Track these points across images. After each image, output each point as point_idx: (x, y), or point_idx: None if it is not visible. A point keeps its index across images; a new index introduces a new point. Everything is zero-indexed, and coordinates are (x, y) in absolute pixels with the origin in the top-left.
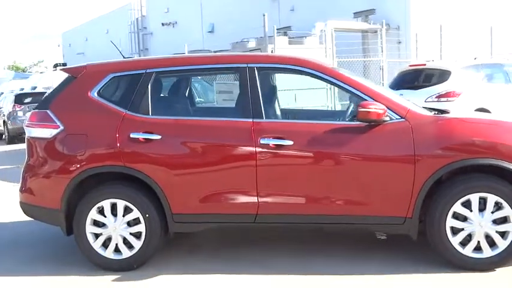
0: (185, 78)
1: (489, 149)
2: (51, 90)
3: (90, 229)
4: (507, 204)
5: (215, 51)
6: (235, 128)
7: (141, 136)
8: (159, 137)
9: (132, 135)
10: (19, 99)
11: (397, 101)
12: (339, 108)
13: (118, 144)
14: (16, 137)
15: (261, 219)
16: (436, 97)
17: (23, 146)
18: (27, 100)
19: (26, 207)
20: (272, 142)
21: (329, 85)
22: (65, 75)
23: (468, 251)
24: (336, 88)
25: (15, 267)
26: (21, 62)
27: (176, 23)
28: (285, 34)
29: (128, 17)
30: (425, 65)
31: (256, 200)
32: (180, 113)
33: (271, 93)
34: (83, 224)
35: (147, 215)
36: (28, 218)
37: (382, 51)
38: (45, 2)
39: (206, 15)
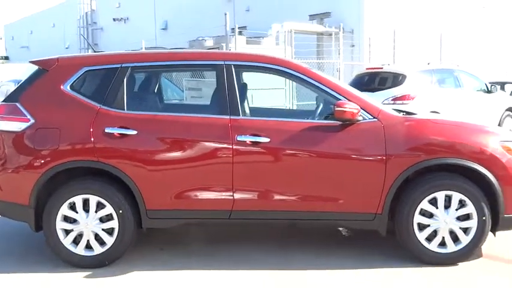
0: (161, 74)
1: (454, 149)
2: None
3: (60, 225)
4: (470, 202)
5: (170, 49)
6: (213, 124)
7: (116, 131)
8: (135, 132)
9: (107, 130)
10: None
11: (370, 102)
12: (312, 107)
13: (92, 139)
14: None
15: (235, 216)
16: (392, 100)
17: None
18: None
19: None
20: (249, 139)
21: (298, 85)
22: (33, 68)
23: (433, 246)
24: (295, 89)
25: None
26: None
27: (128, 18)
28: (240, 33)
29: (77, 11)
30: (382, 68)
31: (232, 197)
32: (156, 108)
33: (247, 91)
34: (53, 220)
35: (120, 211)
36: None
37: (339, 53)
38: None
39: (159, 12)
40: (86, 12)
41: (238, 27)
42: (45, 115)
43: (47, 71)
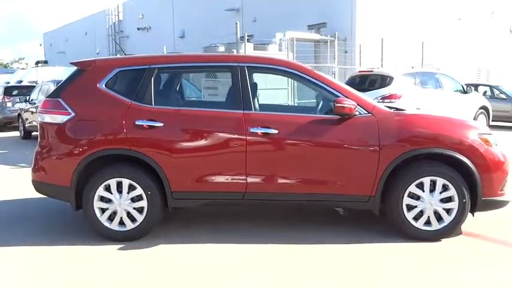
0: (184, 74)
1: (439, 140)
2: (60, 82)
3: (97, 204)
4: (452, 187)
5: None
6: (228, 118)
7: (145, 123)
8: (161, 124)
9: (137, 123)
10: (8, 91)
11: (365, 99)
12: (314, 104)
13: (124, 130)
14: (5, 125)
15: (248, 197)
16: (381, 98)
17: (12, 134)
18: (15, 92)
19: (38, 185)
20: (260, 131)
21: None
22: (72, 68)
23: (420, 224)
24: (296, 89)
25: (26, 238)
26: (3, 58)
27: (150, 28)
28: (248, 41)
29: (106, 21)
30: (372, 71)
31: (245, 180)
32: (179, 104)
33: (257, 89)
34: (91, 200)
35: (149, 192)
36: (35, 196)
37: (334, 58)
38: (25, 4)
39: (177, 22)
40: (114, 22)
41: (247, 35)
42: (83, 109)
43: (85, 71)
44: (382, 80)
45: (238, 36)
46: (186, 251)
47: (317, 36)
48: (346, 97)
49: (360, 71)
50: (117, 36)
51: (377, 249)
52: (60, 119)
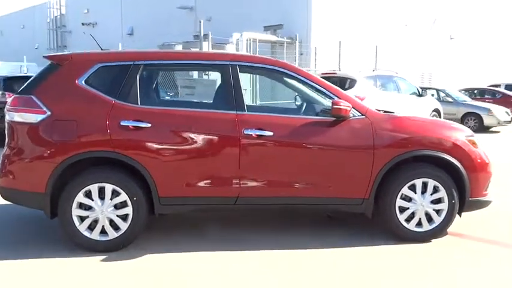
0: (171, 72)
1: (430, 142)
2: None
3: (76, 212)
4: (443, 188)
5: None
6: (221, 119)
7: (131, 124)
8: (149, 125)
9: (122, 123)
10: None
11: (358, 101)
12: (304, 105)
13: (108, 131)
14: None
15: (241, 202)
16: None
17: None
18: None
19: (5, 192)
20: (255, 133)
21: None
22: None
23: (412, 226)
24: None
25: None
26: None
27: (96, 23)
28: (205, 40)
29: (47, 15)
30: (335, 73)
31: (238, 185)
32: (167, 103)
33: (255, 89)
34: (69, 207)
35: (134, 198)
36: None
37: (295, 60)
38: None
39: (126, 19)
40: (56, 16)
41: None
42: (61, 108)
43: (61, 66)
44: (345, 82)
45: (202, 35)
46: (173, 260)
47: (274, 38)
48: (340, 99)
49: (322, 73)
50: (58, 30)
51: (370, 253)
52: (33, 118)
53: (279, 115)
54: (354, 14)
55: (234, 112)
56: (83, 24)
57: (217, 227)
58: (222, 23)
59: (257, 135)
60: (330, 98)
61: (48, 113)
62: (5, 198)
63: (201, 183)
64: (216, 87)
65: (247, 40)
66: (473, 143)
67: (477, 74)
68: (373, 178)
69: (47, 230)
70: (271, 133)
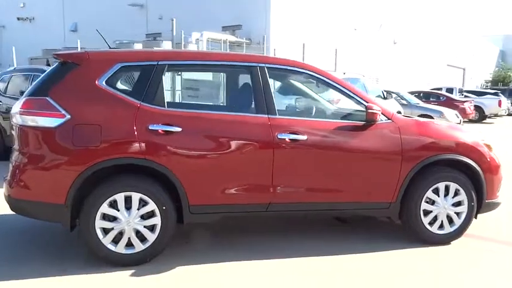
0: (196, 73)
1: (453, 146)
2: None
3: (100, 224)
4: (463, 191)
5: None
6: (253, 123)
7: (161, 128)
8: (179, 129)
9: (150, 127)
10: None
11: (383, 105)
12: (331, 108)
13: (136, 136)
14: None
15: (272, 208)
16: None
17: None
18: None
19: (17, 203)
20: (289, 137)
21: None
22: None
23: (435, 228)
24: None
25: (5, 268)
26: None
27: (34, 18)
28: (155, 39)
29: None
30: None
31: (271, 190)
32: (196, 106)
33: (280, 91)
34: (92, 219)
35: (164, 207)
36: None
37: None
38: None
39: (68, 14)
40: None
41: (152, 34)
42: (82, 111)
43: (78, 65)
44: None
45: (174, 34)
46: (205, 271)
47: (233, 38)
48: (368, 103)
49: None
50: None
51: (390, 256)
52: (51, 122)
53: (310, 119)
54: (311, 17)
55: (266, 116)
56: (18, 19)
57: (229, 234)
58: (176, 22)
59: (290, 139)
60: (356, 101)
61: (68, 116)
62: (15, 210)
63: (233, 190)
64: (245, 89)
65: (207, 40)
66: (489, 147)
67: (417, 77)
68: (401, 182)
69: (56, 243)
70: (304, 137)
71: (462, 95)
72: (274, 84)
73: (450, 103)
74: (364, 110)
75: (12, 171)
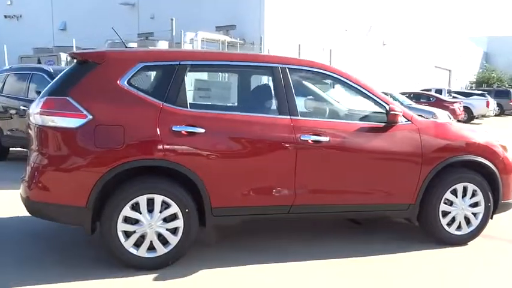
0: (217, 73)
1: (470, 148)
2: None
3: (121, 227)
4: (480, 192)
5: (84, 49)
6: (276, 124)
7: (184, 129)
8: (202, 130)
9: (174, 128)
10: None
11: (402, 107)
12: (351, 109)
13: (160, 137)
14: None
15: (294, 210)
16: None
17: None
18: None
19: (36, 206)
20: (311, 138)
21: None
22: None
23: (453, 229)
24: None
25: (31, 273)
26: None
27: (21, 16)
28: (147, 39)
29: None
30: None
31: (293, 192)
32: (218, 107)
33: (301, 92)
34: (114, 222)
35: (186, 210)
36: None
37: None
38: None
39: (57, 12)
40: None
41: (144, 33)
42: (104, 111)
43: (98, 65)
44: None
45: (174, 34)
46: (228, 274)
47: (227, 38)
48: (390, 104)
49: None
50: None
51: (409, 257)
52: (72, 122)
53: (331, 120)
54: (304, 17)
55: (288, 117)
56: (5, 17)
57: (247, 236)
58: (167, 21)
59: (313, 141)
60: (377, 102)
61: (90, 116)
62: (33, 212)
63: (255, 192)
64: (267, 90)
65: (201, 40)
66: (504, 148)
67: (406, 78)
68: (420, 183)
69: (74, 246)
70: (327, 139)
71: (451, 96)
72: (294, 85)
73: (440, 104)
74: (384, 111)
75: (31, 173)
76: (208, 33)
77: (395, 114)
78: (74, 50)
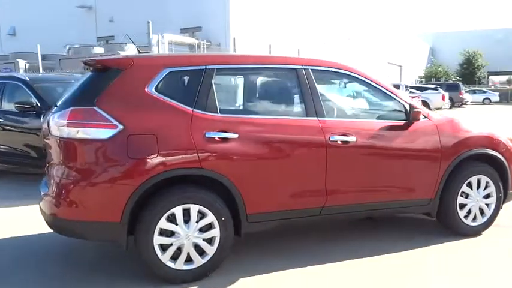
0: (246, 76)
1: (483, 142)
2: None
3: (158, 240)
4: (492, 183)
5: (45, 55)
6: (305, 126)
7: (217, 135)
8: (235, 135)
9: (207, 135)
10: None
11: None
12: (371, 108)
13: (195, 145)
14: None
15: (326, 212)
16: None
17: None
18: None
19: (64, 224)
20: (340, 139)
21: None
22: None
23: (469, 221)
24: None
25: None
26: None
27: None
28: (107, 43)
29: None
30: None
31: (325, 194)
32: (247, 111)
33: (324, 93)
34: (150, 236)
35: (223, 218)
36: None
37: None
38: None
39: (5, 17)
40: None
41: (104, 37)
42: (134, 120)
43: (123, 72)
44: None
45: (151, 37)
46: (271, 280)
47: (193, 41)
48: (411, 102)
49: None
50: None
51: (433, 249)
52: (102, 133)
53: (356, 120)
54: (273, 17)
55: (316, 118)
56: None
57: (273, 239)
58: (127, 24)
59: (342, 141)
60: (397, 101)
61: (120, 126)
62: (61, 231)
63: (288, 196)
64: (293, 92)
65: (169, 42)
66: (511, 139)
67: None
68: (440, 178)
69: (102, 261)
70: (354, 139)
71: (408, 91)
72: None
73: None
74: (402, 109)
75: (58, 189)
76: (175, 36)
77: (418, 111)
78: (39, 55)
